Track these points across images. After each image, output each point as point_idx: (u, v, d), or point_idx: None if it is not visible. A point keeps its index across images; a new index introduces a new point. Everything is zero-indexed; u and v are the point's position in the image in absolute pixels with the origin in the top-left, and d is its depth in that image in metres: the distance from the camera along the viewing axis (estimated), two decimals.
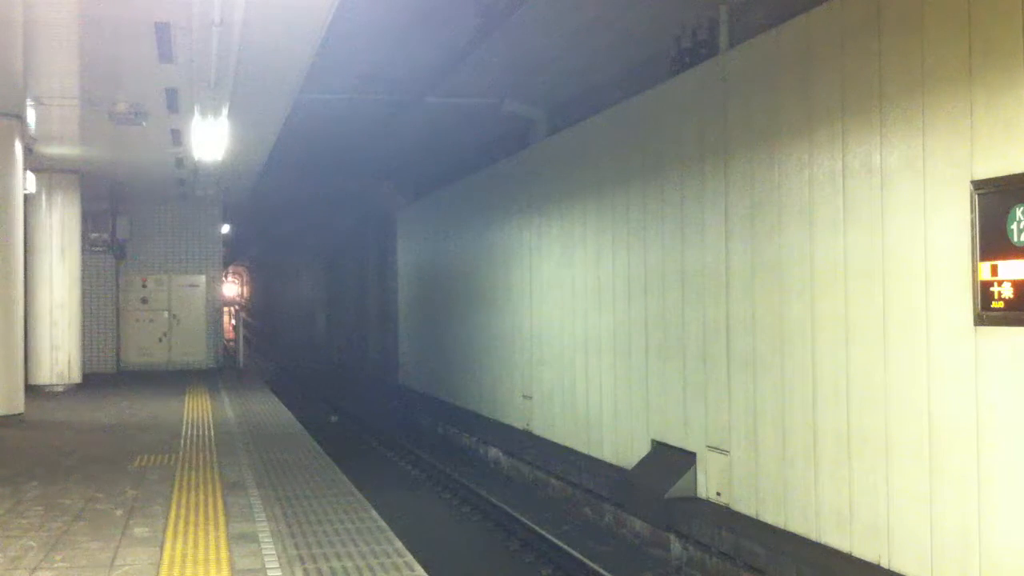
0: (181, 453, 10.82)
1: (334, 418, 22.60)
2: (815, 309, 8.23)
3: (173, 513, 7.76)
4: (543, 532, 11.08)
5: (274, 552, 6.58)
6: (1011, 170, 6.25)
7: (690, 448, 10.27)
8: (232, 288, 68.20)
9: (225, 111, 11.99)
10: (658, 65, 11.21)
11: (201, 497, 8.41)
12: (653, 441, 11.10)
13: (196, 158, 15.61)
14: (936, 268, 6.89)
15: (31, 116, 12.96)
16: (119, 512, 7.83)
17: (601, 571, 9.50)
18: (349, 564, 6.32)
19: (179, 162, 16.68)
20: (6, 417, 13.03)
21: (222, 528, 7.25)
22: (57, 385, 18.10)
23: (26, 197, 14.36)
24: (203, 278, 22.82)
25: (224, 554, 6.49)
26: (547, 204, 14.30)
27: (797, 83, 8.44)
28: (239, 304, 38.71)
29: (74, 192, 18.55)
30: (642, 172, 11.30)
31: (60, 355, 18.18)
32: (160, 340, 22.59)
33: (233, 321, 29.29)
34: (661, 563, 10.08)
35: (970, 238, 6.56)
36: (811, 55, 8.25)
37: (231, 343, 31.69)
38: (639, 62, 11.90)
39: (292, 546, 6.76)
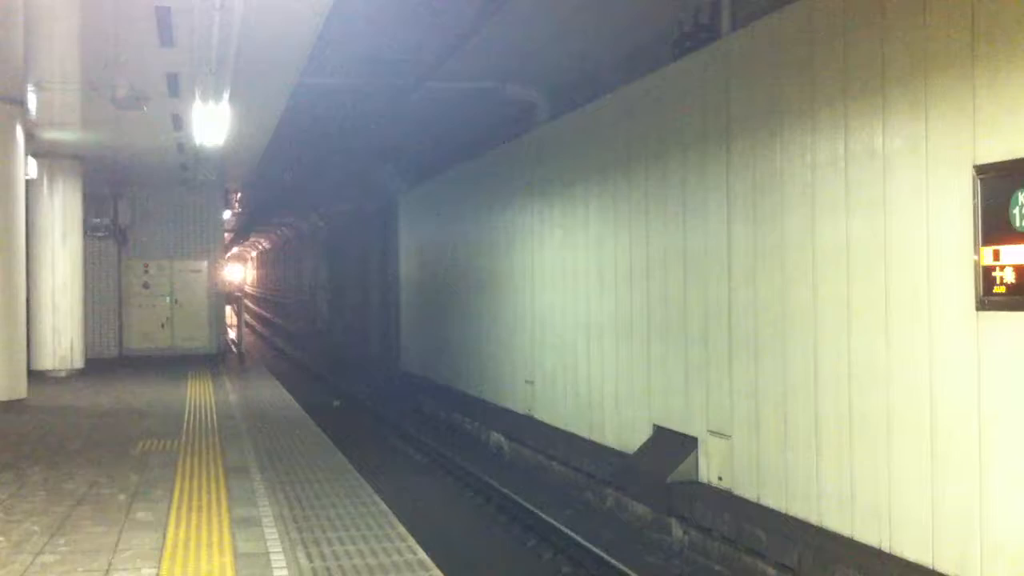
0: (184, 438, 10.85)
1: (336, 403, 22.64)
2: (817, 293, 8.22)
3: (176, 497, 7.79)
4: (545, 516, 11.10)
5: (276, 536, 6.61)
6: (1014, 154, 6.23)
7: (692, 432, 10.28)
8: (237, 271, 67.94)
9: (226, 96, 11.95)
10: (660, 49, 11.17)
11: (204, 481, 8.43)
12: (655, 425, 11.12)
13: (197, 143, 15.59)
14: (938, 253, 6.88)
15: (32, 101, 12.96)
16: (122, 497, 7.85)
17: (603, 555, 9.53)
18: (351, 548, 6.34)
19: (180, 147, 16.66)
20: (9, 402, 13.06)
21: (225, 512, 7.27)
22: (60, 370, 18.14)
23: (27, 182, 14.37)
24: (205, 263, 22.82)
25: (227, 538, 6.52)
26: (549, 188, 14.28)
27: (799, 66, 8.40)
28: (242, 292, 38.61)
29: (75, 177, 18.53)
30: (644, 155, 11.28)
31: (62, 340, 18.22)
32: (162, 326, 22.60)
33: (235, 316, 29.30)
34: (663, 547, 10.11)
35: (972, 223, 6.55)
36: (814, 38, 8.22)
37: (233, 327, 31.69)
38: (641, 46, 11.86)
39: (295, 530, 6.78)
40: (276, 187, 29.31)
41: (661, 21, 10.96)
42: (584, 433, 13.04)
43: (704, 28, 10.28)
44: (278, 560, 6.02)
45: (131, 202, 21.93)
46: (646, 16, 11.12)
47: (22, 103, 12.84)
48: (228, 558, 6.04)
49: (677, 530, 9.97)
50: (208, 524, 6.91)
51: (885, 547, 7.36)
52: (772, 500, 8.85)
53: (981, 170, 6.47)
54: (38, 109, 13.51)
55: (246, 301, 39.56)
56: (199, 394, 15.20)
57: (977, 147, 6.53)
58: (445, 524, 11.57)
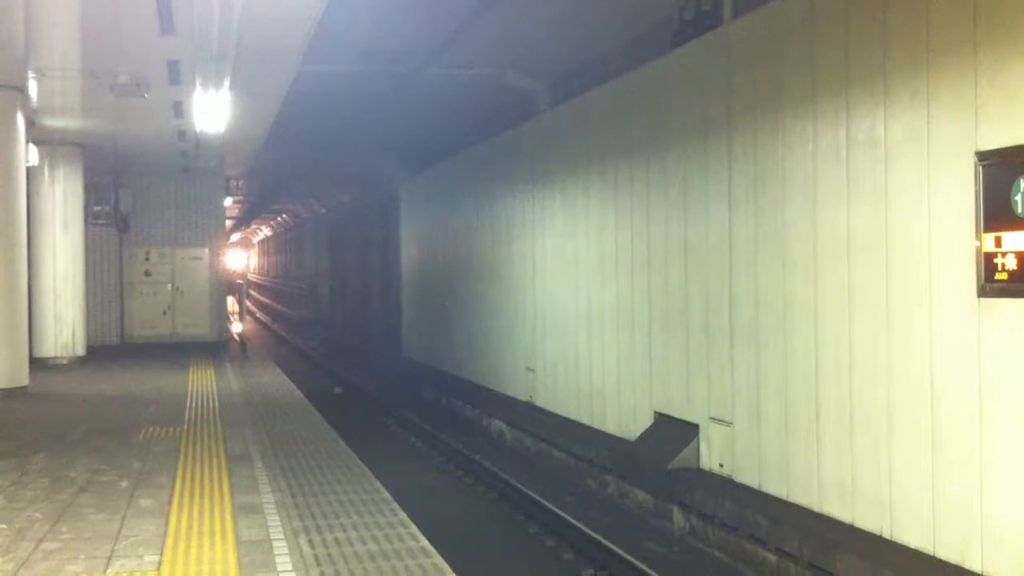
0: (186, 425, 10.87)
1: (338, 390, 22.67)
2: (818, 281, 8.22)
3: (178, 485, 7.81)
4: (546, 503, 11.13)
5: (279, 523, 6.62)
6: (1016, 141, 6.22)
7: (693, 420, 10.29)
8: (239, 259, 67.76)
9: (227, 83, 11.94)
10: (661, 36, 11.14)
11: (206, 469, 8.45)
12: (656, 413, 11.13)
13: (198, 130, 15.58)
14: (940, 240, 6.87)
15: (33, 88, 12.93)
16: (124, 484, 7.87)
17: (604, 541, 9.55)
18: (353, 535, 6.35)
19: (181, 134, 16.64)
20: (11, 390, 13.08)
21: (227, 500, 7.29)
22: (62, 358, 18.15)
23: (29, 170, 14.35)
24: (206, 251, 22.81)
25: (229, 525, 6.53)
26: (550, 176, 14.26)
27: (801, 54, 8.38)
28: (244, 279, 38.59)
29: (76, 164, 18.53)
30: (645, 144, 11.26)
31: (64, 328, 18.22)
32: (164, 313, 22.60)
33: (236, 305, 29.27)
34: (664, 533, 10.13)
35: (974, 209, 6.54)
36: (815, 26, 8.19)
37: (235, 314, 31.71)
38: (642, 33, 11.83)
39: (296, 517, 6.80)
40: (278, 174, 29.27)
41: (663, 8, 10.92)
42: (585, 420, 13.06)
43: (706, 15, 10.24)
44: (280, 547, 6.04)
45: (132, 189, 21.90)
46: (648, 3, 11.08)
47: (23, 90, 12.83)
48: (230, 545, 6.06)
49: (678, 516, 9.99)
50: (210, 511, 6.93)
51: (886, 534, 7.38)
52: (773, 487, 8.86)
53: (983, 157, 6.46)
54: (39, 96, 13.49)
55: (248, 290, 39.54)
56: (201, 382, 15.22)
57: (979, 134, 6.52)
58: (446, 510, 11.60)
